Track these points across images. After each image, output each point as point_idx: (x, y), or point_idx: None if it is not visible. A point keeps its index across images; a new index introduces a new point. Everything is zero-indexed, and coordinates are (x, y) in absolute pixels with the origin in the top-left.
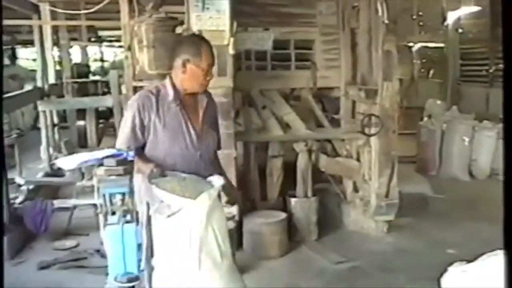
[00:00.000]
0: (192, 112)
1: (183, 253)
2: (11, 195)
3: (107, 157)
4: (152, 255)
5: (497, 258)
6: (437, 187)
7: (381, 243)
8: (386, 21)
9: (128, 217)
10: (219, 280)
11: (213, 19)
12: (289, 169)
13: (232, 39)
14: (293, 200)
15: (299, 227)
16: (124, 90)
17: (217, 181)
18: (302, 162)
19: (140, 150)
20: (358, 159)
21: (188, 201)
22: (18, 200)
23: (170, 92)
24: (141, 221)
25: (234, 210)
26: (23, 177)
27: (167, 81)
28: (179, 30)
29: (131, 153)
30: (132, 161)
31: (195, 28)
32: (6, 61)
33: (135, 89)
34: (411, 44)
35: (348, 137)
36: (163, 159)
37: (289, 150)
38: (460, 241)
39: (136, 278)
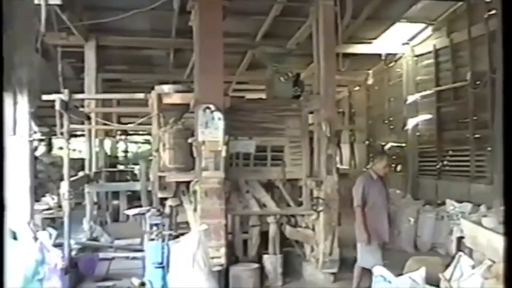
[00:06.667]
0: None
1: (184, 259)
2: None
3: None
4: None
5: None
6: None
7: None
8: (328, 135)
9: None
10: (204, 276)
11: (212, 133)
12: (264, 235)
13: (224, 147)
14: (265, 256)
15: (269, 276)
16: (152, 178)
17: (203, 226)
18: (273, 230)
19: None
20: (313, 229)
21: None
22: (73, 253)
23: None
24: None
25: (222, 260)
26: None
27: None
28: (189, 140)
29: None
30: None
31: (200, 139)
32: (43, 148)
33: (160, 178)
34: (383, 143)
35: (306, 213)
36: None
37: (264, 222)
38: None
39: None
